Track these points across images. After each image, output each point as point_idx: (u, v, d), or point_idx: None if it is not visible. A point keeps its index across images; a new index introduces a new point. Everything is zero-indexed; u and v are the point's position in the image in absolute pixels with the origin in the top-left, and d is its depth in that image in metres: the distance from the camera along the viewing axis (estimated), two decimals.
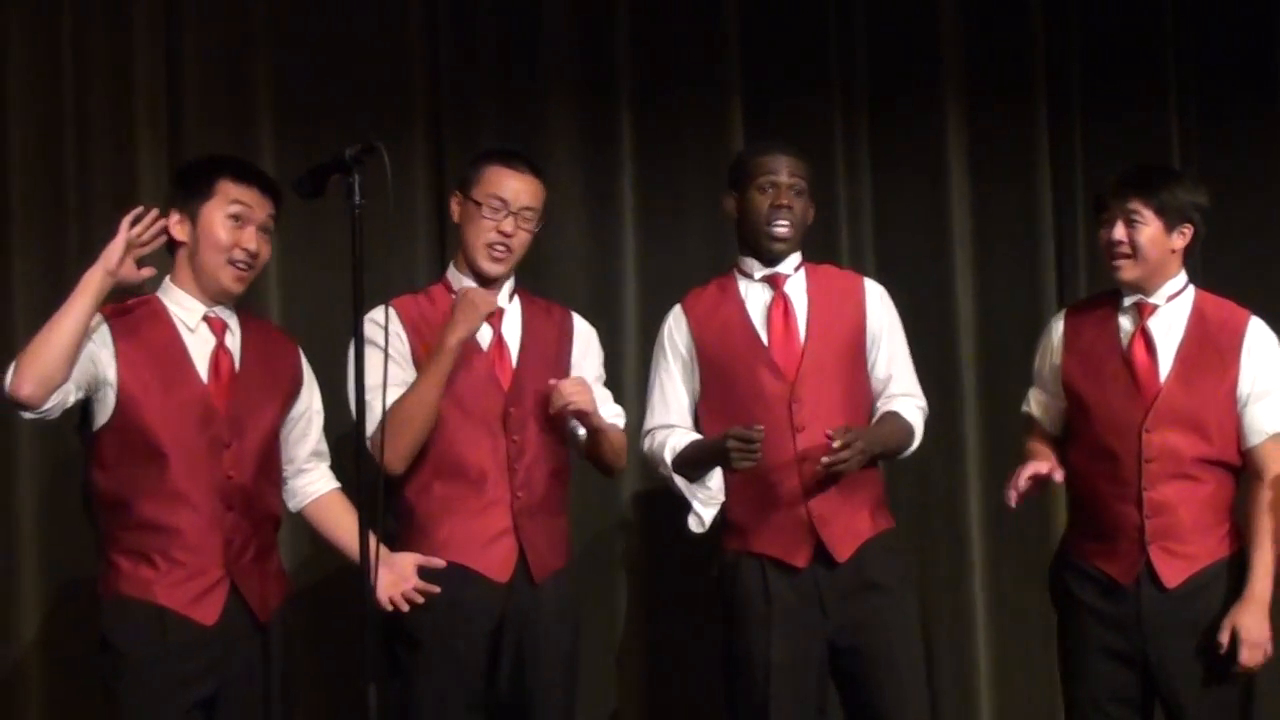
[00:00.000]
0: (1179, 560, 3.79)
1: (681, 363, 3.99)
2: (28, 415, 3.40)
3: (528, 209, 3.83)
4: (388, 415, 3.48)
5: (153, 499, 3.47)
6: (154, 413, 3.47)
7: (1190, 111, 5.33)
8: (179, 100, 4.62)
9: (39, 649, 4.48)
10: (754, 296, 3.96)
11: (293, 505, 3.77)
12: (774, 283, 3.95)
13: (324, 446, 3.80)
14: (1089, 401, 3.87)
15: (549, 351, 3.90)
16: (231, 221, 3.56)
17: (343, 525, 3.72)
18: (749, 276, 3.98)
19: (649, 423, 4.03)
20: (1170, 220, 3.84)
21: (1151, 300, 3.88)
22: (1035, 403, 4.05)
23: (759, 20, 5.06)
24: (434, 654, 3.70)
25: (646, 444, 4.04)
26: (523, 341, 3.85)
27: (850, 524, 3.87)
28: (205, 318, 3.59)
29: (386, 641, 3.72)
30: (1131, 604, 3.80)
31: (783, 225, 3.91)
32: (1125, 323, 3.90)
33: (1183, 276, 3.92)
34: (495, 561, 3.73)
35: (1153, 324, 3.87)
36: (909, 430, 3.98)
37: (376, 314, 3.66)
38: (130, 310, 3.56)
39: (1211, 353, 3.84)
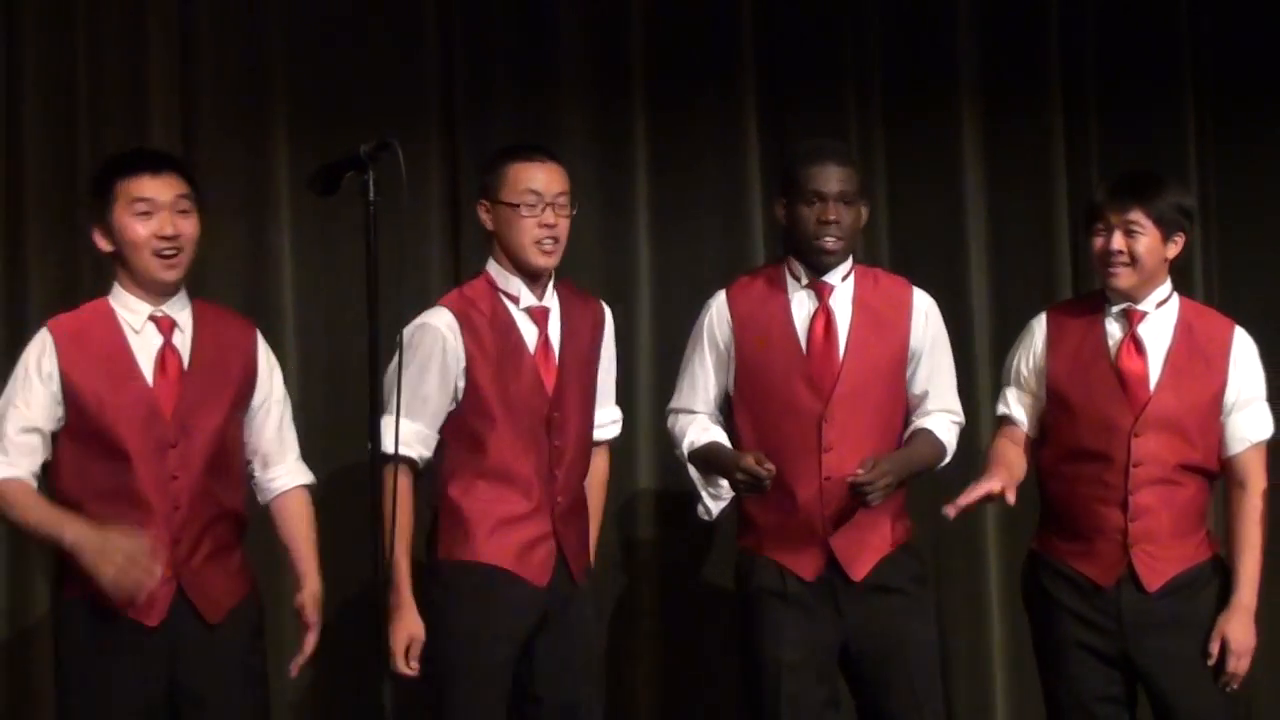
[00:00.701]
0: (1160, 563, 3.84)
1: (717, 354, 3.96)
2: None
3: (561, 194, 3.77)
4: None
5: (101, 501, 3.48)
6: (100, 415, 3.49)
7: (1207, 114, 5.30)
8: (193, 98, 4.62)
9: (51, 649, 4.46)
10: (799, 303, 3.91)
11: (260, 499, 3.76)
12: (819, 292, 3.90)
13: (289, 435, 3.78)
14: (1075, 404, 3.89)
15: (586, 347, 3.88)
16: (141, 217, 3.55)
17: (297, 534, 3.74)
18: (797, 280, 3.92)
19: (674, 402, 4.03)
20: (1167, 229, 3.87)
21: (1140, 307, 3.91)
22: (1014, 403, 4.02)
23: (774, 21, 5.05)
24: (471, 668, 3.65)
25: (670, 421, 4.04)
26: (564, 341, 3.81)
27: (867, 542, 3.85)
28: (151, 317, 3.58)
29: (428, 652, 3.69)
30: (1111, 605, 3.85)
31: (830, 240, 3.85)
32: (1113, 328, 3.92)
33: (1169, 284, 3.95)
34: (535, 566, 3.71)
35: (1141, 330, 3.90)
36: (940, 449, 3.96)
37: (438, 318, 3.69)
38: (78, 317, 3.60)
39: (1199, 361, 3.89)
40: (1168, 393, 3.86)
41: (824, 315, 3.88)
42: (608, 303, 4.76)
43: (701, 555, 4.79)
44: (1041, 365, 3.96)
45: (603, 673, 3.86)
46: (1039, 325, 4.02)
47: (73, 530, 3.43)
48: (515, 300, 3.79)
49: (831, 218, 3.84)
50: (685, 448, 3.96)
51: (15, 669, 4.47)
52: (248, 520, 3.72)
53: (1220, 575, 3.90)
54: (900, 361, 3.93)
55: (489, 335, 3.73)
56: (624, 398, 4.73)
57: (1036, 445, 4.00)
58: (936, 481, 4.88)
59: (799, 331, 3.89)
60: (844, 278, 3.93)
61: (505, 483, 3.71)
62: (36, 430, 3.51)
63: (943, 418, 3.97)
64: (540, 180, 3.75)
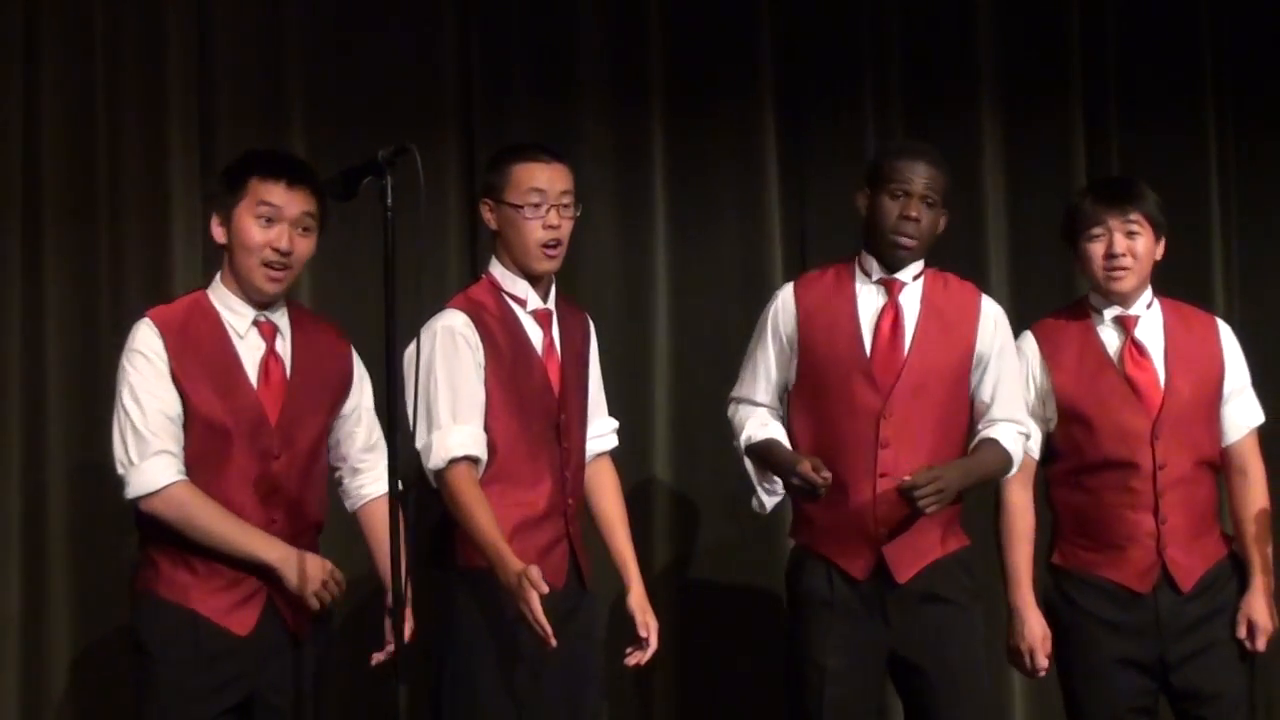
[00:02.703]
0: (1190, 562, 3.87)
1: (780, 346, 3.94)
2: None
3: (565, 193, 3.74)
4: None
5: None
6: (208, 423, 3.44)
7: (1228, 115, 5.30)
8: (211, 102, 4.62)
9: (71, 654, 4.48)
10: (866, 299, 3.89)
11: (348, 505, 3.73)
12: (889, 289, 3.88)
13: (377, 439, 3.70)
14: (1091, 417, 3.90)
15: (581, 358, 3.87)
16: (261, 221, 3.50)
17: (385, 544, 3.69)
18: (867, 276, 3.91)
19: (736, 391, 4.02)
20: (1157, 230, 3.93)
21: (1133, 312, 3.94)
22: None
23: (793, 25, 5.05)
24: (504, 667, 3.62)
25: (730, 410, 4.02)
26: (563, 345, 3.79)
27: (917, 546, 3.81)
28: (255, 322, 3.54)
29: (441, 654, 3.68)
30: (1149, 610, 3.86)
31: (907, 237, 3.83)
32: (1109, 335, 3.95)
33: (1150, 286, 3.99)
34: (553, 568, 3.68)
35: (1138, 334, 3.93)
36: (1006, 460, 3.90)
37: (453, 319, 3.66)
38: (180, 314, 3.52)
39: (1195, 356, 3.95)
40: (1178, 392, 3.88)
41: (892, 310, 3.87)
42: (625, 307, 4.78)
43: (719, 558, 4.78)
44: (1045, 384, 3.96)
45: (604, 682, 3.85)
46: (1028, 345, 4.00)
47: (273, 553, 3.44)
48: (522, 303, 3.76)
49: (913, 214, 3.83)
50: (743, 441, 3.94)
51: (31, 670, 4.46)
52: (323, 527, 3.69)
53: (1239, 569, 3.95)
54: (965, 365, 3.89)
55: (501, 336, 3.71)
56: (641, 400, 4.76)
57: (1042, 464, 4.01)
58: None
59: (864, 327, 3.87)
60: (915, 277, 3.91)
61: (522, 485, 3.68)
62: (178, 418, 3.44)
63: (1009, 428, 3.90)
64: (543, 179, 3.72)
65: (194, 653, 3.43)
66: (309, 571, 3.44)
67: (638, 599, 3.82)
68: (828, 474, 3.68)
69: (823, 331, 3.88)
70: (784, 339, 3.93)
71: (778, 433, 3.92)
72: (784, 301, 3.95)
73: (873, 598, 3.81)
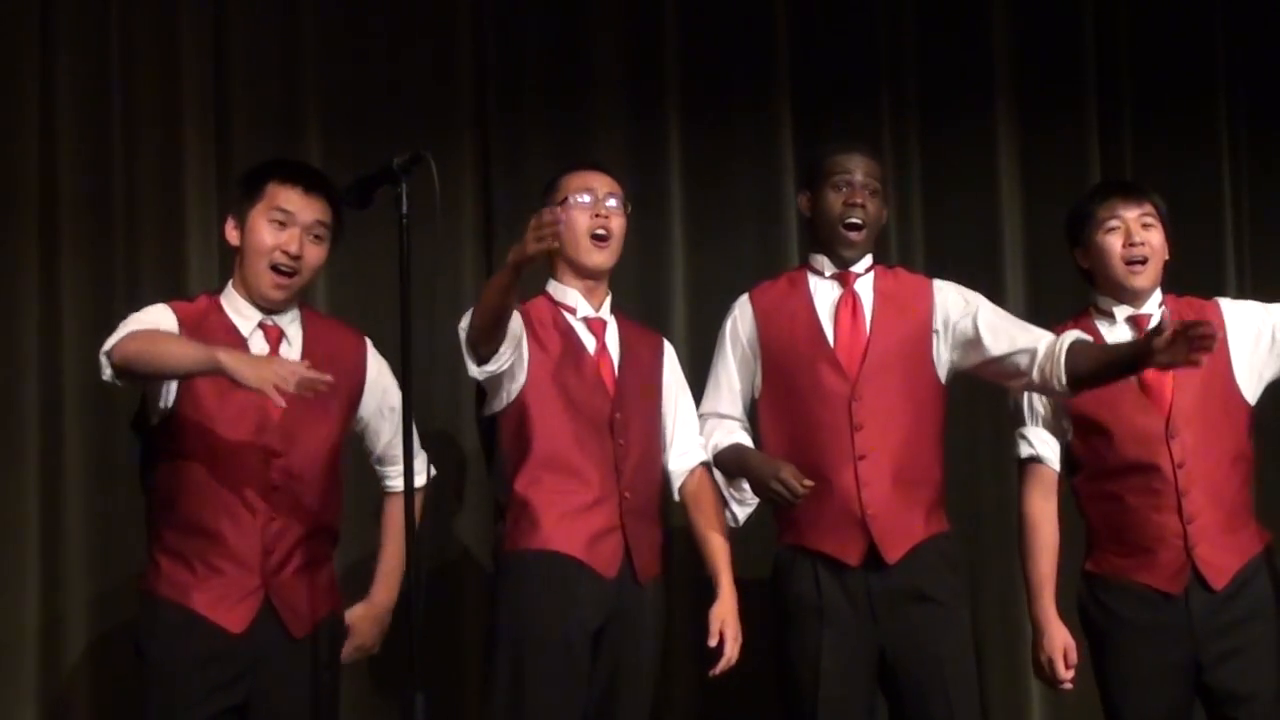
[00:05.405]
0: (1221, 559, 3.83)
1: (741, 354, 4.00)
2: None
3: (611, 194, 3.88)
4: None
5: (198, 502, 3.48)
6: (210, 417, 3.48)
7: (1241, 118, 5.29)
8: (227, 109, 4.63)
9: (88, 662, 4.47)
10: (823, 293, 3.96)
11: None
12: (844, 280, 3.95)
13: (395, 449, 3.72)
14: (1105, 422, 3.88)
15: (646, 368, 3.93)
16: (274, 225, 3.55)
17: (384, 541, 3.80)
18: (819, 274, 3.98)
19: (702, 407, 4.05)
20: (1166, 225, 3.94)
21: (1144, 311, 3.93)
22: (1039, 443, 3.98)
23: (809, 29, 5.05)
24: (548, 649, 3.66)
25: (699, 427, 4.06)
26: (622, 353, 3.86)
27: (903, 524, 3.84)
28: (261, 325, 3.58)
29: (489, 650, 3.72)
30: (1181, 612, 3.82)
31: (856, 227, 3.91)
32: (1119, 337, 3.91)
33: (1159, 286, 3.99)
34: (603, 557, 3.72)
35: None
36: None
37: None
38: (194, 312, 3.57)
39: None
40: (1188, 386, 3.85)
41: (850, 298, 3.93)
42: (643, 312, 4.78)
43: (741, 559, 4.76)
44: None
45: (654, 683, 3.86)
46: None
47: (213, 353, 3.35)
48: (572, 311, 3.86)
49: (858, 201, 3.91)
50: (710, 450, 3.99)
51: (48, 677, 4.46)
52: (339, 536, 3.72)
53: (1272, 565, 3.90)
54: (925, 338, 3.93)
55: (549, 335, 3.80)
56: None
57: (1066, 475, 3.99)
58: (973, 491, 4.88)
59: (823, 318, 3.93)
60: (867, 269, 3.98)
61: (569, 473, 3.73)
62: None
63: (1045, 338, 3.83)
64: (592, 181, 3.87)
65: (189, 653, 3.45)
66: (262, 361, 3.37)
67: (715, 610, 3.85)
68: (810, 482, 3.72)
69: (783, 329, 3.95)
70: (744, 345, 3.99)
71: (743, 439, 3.97)
72: (741, 310, 4.03)
73: (861, 597, 3.83)
